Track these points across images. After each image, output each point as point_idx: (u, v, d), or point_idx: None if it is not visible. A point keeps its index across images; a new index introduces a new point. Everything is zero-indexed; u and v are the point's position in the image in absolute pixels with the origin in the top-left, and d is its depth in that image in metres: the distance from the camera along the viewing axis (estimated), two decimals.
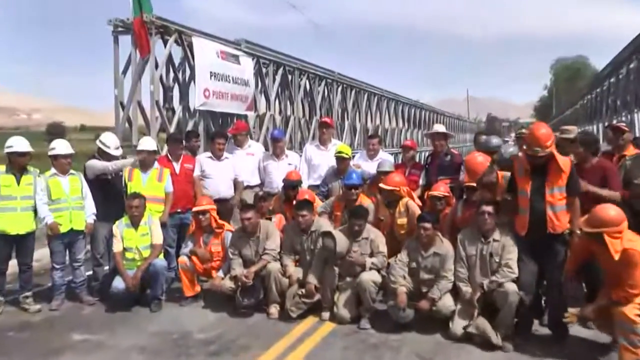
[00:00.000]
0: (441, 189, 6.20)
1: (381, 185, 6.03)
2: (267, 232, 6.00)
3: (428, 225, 5.37)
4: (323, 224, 5.91)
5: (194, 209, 6.21)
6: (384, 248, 5.66)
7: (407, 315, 5.30)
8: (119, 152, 6.46)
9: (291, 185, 6.72)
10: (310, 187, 7.35)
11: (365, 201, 6.30)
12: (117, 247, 6.03)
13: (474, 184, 5.69)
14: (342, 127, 15.31)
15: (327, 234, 5.54)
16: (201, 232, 6.22)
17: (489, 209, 5.20)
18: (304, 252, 5.95)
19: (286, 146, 8.06)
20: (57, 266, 6.02)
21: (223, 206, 7.01)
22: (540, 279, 5.10)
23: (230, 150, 7.54)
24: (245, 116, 9.84)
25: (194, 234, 6.24)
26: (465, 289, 5.20)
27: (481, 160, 5.57)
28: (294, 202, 6.17)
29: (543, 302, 5.31)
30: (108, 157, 6.34)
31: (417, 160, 7.74)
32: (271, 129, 10.90)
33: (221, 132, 8.15)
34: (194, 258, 6.21)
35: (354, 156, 7.71)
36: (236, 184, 7.25)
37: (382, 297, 5.67)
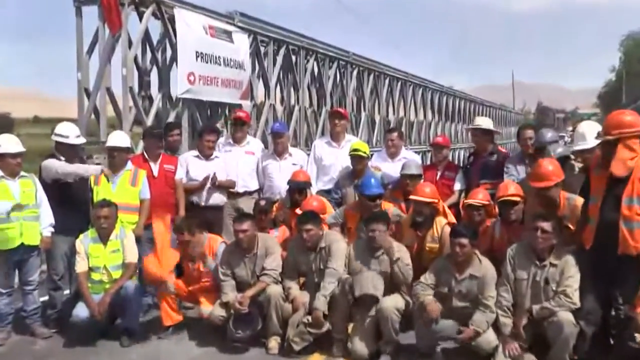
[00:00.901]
0: (479, 196, 6.19)
1: (413, 197, 6.05)
2: (267, 248, 5.99)
3: (464, 241, 5.34)
4: (333, 239, 5.91)
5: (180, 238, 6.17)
6: (408, 262, 5.67)
7: (443, 329, 5.29)
8: (80, 141, 6.46)
9: (298, 187, 6.75)
10: (320, 192, 7.38)
11: (389, 207, 6.33)
12: (80, 266, 6.04)
13: (515, 197, 5.71)
14: (357, 120, 15.31)
15: (373, 298, 5.51)
16: (188, 247, 6.23)
17: (545, 225, 5.15)
18: (310, 273, 5.95)
19: (290, 143, 8.09)
20: (3, 291, 6.00)
21: (214, 216, 7.03)
22: (608, 308, 5.07)
23: (222, 147, 7.59)
24: (240, 106, 9.87)
25: (178, 249, 6.26)
26: (505, 320, 5.17)
27: (552, 169, 5.52)
28: (298, 215, 6.19)
29: (609, 336, 5.25)
30: (69, 154, 6.35)
31: (452, 159, 7.78)
32: (271, 121, 10.93)
33: (211, 126, 8.17)
34: (176, 279, 6.22)
35: (371, 155, 7.73)
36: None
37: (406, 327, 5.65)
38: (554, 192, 5.46)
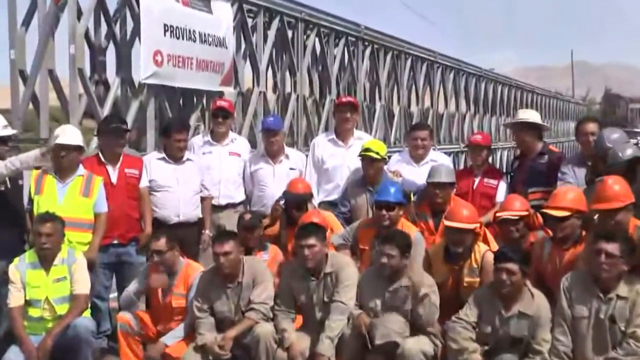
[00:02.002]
0: (515, 205, 6.28)
1: (448, 223, 6.08)
2: (255, 275, 6.02)
3: (513, 267, 5.36)
4: (342, 263, 5.93)
5: (153, 247, 6.22)
6: (436, 302, 5.68)
7: None
8: (8, 132, 6.47)
9: (296, 201, 6.79)
10: (323, 205, 7.43)
11: (410, 230, 6.34)
12: (14, 299, 5.99)
13: (565, 212, 5.74)
14: (371, 112, 15.36)
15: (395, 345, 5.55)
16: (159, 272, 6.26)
17: (611, 247, 5.16)
18: (311, 307, 5.97)
19: (285, 141, 8.13)
20: None
21: (187, 234, 7.06)
22: None
23: (197, 147, 7.64)
24: (221, 94, 9.93)
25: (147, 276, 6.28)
26: None
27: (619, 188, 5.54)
28: (297, 228, 6.23)
29: None
30: None
31: (492, 163, 7.84)
32: (262, 114, 10.97)
33: (181, 120, 8.20)
34: (142, 314, 6.24)
35: (389, 157, 7.76)
36: (204, 200, 7.36)
37: None
38: (622, 216, 5.51)
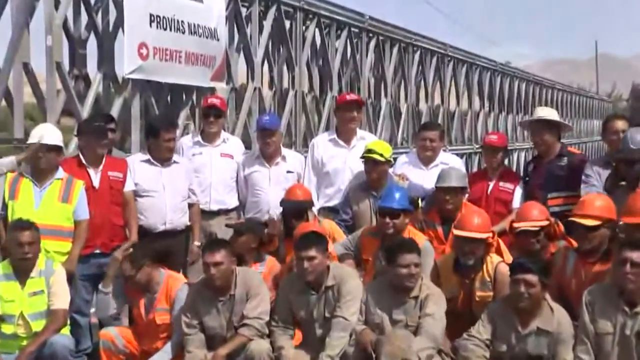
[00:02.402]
0: (533, 213, 6.27)
1: (458, 232, 6.08)
2: (248, 287, 6.02)
3: (532, 278, 5.37)
4: (345, 275, 5.94)
5: (122, 272, 6.22)
6: (441, 319, 5.70)
7: None
8: None
9: (295, 210, 6.79)
10: (323, 211, 7.44)
11: (418, 238, 6.34)
12: None
13: (595, 221, 5.74)
14: (376, 110, 15.39)
15: None
16: (140, 291, 6.30)
17: (637, 255, 5.18)
18: (311, 323, 5.98)
19: (282, 142, 8.14)
20: None
21: (174, 244, 7.09)
22: None
23: (186, 149, 7.67)
24: (213, 90, 9.95)
25: (129, 291, 6.30)
26: None
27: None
28: (295, 238, 6.23)
29: None
30: None
31: (508, 165, 7.85)
32: (257, 112, 10.99)
33: (170, 119, 8.20)
34: (124, 332, 6.25)
35: (395, 159, 7.78)
36: (192, 207, 7.37)
37: None
38: None
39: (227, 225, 7.17)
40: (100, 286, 6.40)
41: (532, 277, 5.36)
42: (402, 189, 6.73)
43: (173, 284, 6.26)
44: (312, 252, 5.84)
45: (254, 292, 6.02)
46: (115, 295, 6.36)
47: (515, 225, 6.29)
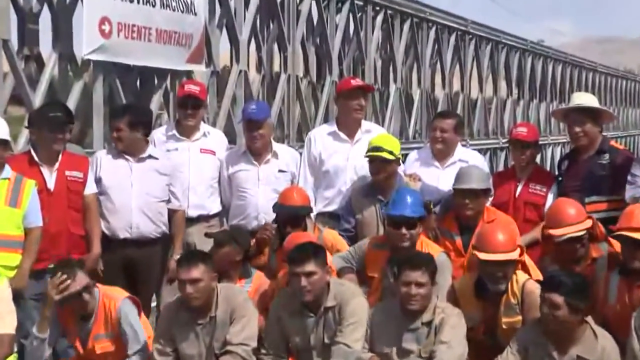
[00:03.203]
0: (570, 212, 6.25)
1: (480, 255, 5.99)
2: (233, 307, 6.02)
3: (557, 299, 5.33)
4: (347, 294, 5.93)
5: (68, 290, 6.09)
6: (462, 348, 5.71)
7: None
8: None
9: (291, 216, 6.77)
10: (321, 217, 7.47)
11: (433, 250, 6.36)
12: None
13: None
14: (384, 97, 15.43)
15: None
16: (73, 315, 6.19)
17: None
18: (308, 350, 5.97)
19: (273, 135, 8.14)
20: None
21: (143, 257, 7.10)
22: None
23: (159, 142, 7.67)
24: (190, 74, 9.96)
25: (61, 317, 6.18)
26: None
27: None
28: (288, 250, 6.17)
29: None
30: None
31: (541, 163, 7.83)
32: (242, 100, 11.04)
33: (140, 106, 8.21)
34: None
35: (405, 156, 7.79)
36: (175, 214, 7.39)
37: None
38: None
39: (206, 235, 7.10)
40: (34, 329, 6.09)
41: (557, 298, 5.33)
42: (415, 192, 6.67)
43: (110, 304, 6.14)
44: (311, 267, 5.79)
45: (238, 314, 6.00)
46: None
47: (554, 232, 6.22)
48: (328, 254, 6.26)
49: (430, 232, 6.77)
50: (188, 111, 7.66)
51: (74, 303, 6.00)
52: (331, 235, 6.89)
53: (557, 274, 5.58)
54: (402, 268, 5.79)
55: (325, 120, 12.44)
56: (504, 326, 5.97)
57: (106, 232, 7.07)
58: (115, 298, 6.15)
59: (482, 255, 5.92)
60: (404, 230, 6.28)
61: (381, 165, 7.06)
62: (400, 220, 6.30)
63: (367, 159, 7.14)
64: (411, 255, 5.98)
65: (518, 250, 6.01)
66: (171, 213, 7.36)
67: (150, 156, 7.30)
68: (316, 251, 5.93)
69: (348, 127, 7.73)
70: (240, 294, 6.20)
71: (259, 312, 6.24)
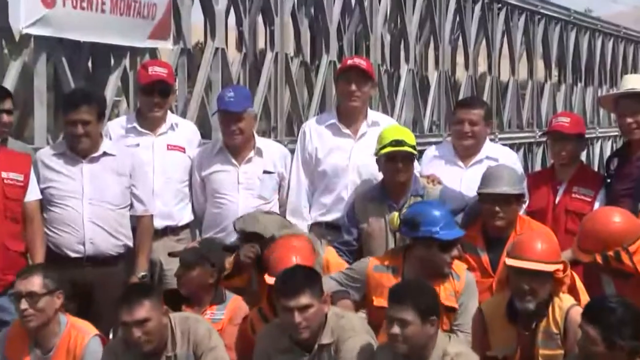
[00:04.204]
0: (615, 219, 6.26)
1: (511, 262, 6.00)
2: (196, 343, 6.02)
3: (593, 333, 5.28)
4: (347, 328, 5.92)
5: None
6: None
7: None
8: None
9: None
10: (316, 228, 7.54)
11: (457, 268, 6.42)
12: None
13: None
14: (393, 81, 15.44)
15: None
16: (26, 345, 6.16)
17: None
18: None
19: (256, 128, 8.14)
20: None
21: (102, 280, 7.10)
22: None
23: (117, 137, 7.68)
24: (154, 53, 9.96)
25: (11, 346, 6.21)
26: None
27: None
28: (272, 280, 6.14)
29: None
30: None
31: (587, 161, 7.82)
32: (219, 86, 11.08)
33: (92, 91, 8.22)
34: None
35: (421, 153, 7.82)
36: (139, 221, 7.39)
37: None
38: None
39: (170, 255, 7.08)
40: None
41: (592, 332, 5.37)
42: (440, 205, 6.66)
43: (77, 338, 6.18)
44: (305, 299, 5.76)
45: (205, 347, 6.01)
46: None
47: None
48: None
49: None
50: (155, 99, 7.66)
51: (37, 331, 6.07)
52: (334, 260, 6.93)
53: (599, 301, 5.59)
54: (388, 303, 5.78)
55: (322, 109, 12.47)
56: (542, 355, 5.99)
57: (52, 248, 7.06)
58: (84, 332, 6.23)
59: (510, 261, 5.97)
60: (447, 257, 6.37)
61: (404, 164, 7.07)
62: (430, 241, 6.36)
63: (380, 156, 7.12)
64: (395, 287, 5.89)
65: (558, 266, 5.99)
66: (135, 221, 7.36)
67: (105, 153, 7.27)
68: (310, 278, 5.90)
69: (349, 118, 7.77)
70: (200, 324, 6.17)
71: (238, 346, 6.31)
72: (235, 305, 6.71)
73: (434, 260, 6.39)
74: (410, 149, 7.01)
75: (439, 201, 6.73)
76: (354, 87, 7.68)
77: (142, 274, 7.27)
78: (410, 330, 5.55)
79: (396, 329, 5.54)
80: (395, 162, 7.03)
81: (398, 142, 7.02)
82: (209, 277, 6.66)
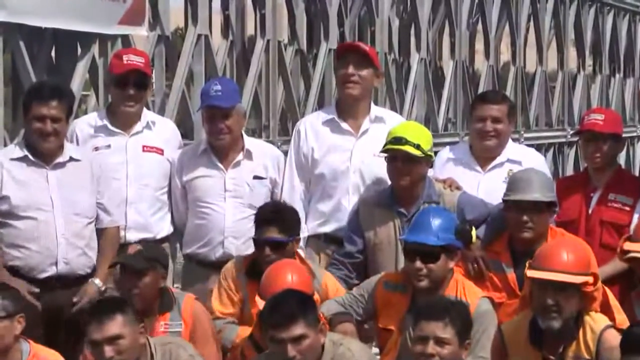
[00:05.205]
0: None
1: (534, 274, 5.96)
2: None
3: None
4: (349, 357, 5.96)
5: None
6: None
7: None
8: None
9: (273, 241, 6.81)
10: (314, 240, 7.55)
11: (470, 295, 6.43)
12: None
13: None
14: (402, 72, 15.47)
15: None
16: None
17: None
18: None
19: (245, 126, 8.14)
20: None
21: (69, 300, 7.15)
22: None
23: (84, 138, 7.70)
24: (124, 39, 9.99)
25: None
26: None
27: None
28: (261, 307, 6.12)
29: None
30: None
31: (623, 164, 7.83)
32: (203, 78, 11.15)
33: (62, 85, 8.24)
34: None
35: (435, 154, 7.80)
36: (104, 232, 7.37)
37: None
38: None
39: (111, 266, 7.01)
40: None
41: None
42: (442, 211, 6.70)
43: None
44: (299, 329, 5.75)
45: None
46: None
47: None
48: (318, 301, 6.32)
49: (471, 264, 6.82)
50: (129, 91, 7.63)
51: None
52: (333, 284, 6.93)
53: None
54: (416, 319, 5.79)
55: (320, 104, 12.52)
56: None
57: (20, 270, 7.00)
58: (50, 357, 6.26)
59: (531, 272, 5.92)
60: (417, 264, 6.31)
61: (405, 165, 7.07)
62: (414, 249, 6.35)
63: (385, 156, 7.14)
64: (430, 301, 5.96)
65: (587, 278, 5.92)
66: (99, 233, 7.32)
67: (71, 159, 7.26)
68: (304, 305, 5.88)
69: (350, 111, 7.77)
70: (182, 349, 6.18)
71: None
72: (191, 309, 6.72)
73: (406, 270, 6.49)
74: (411, 149, 6.98)
75: (445, 213, 6.67)
76: (351, 69, 7.63)
77: (97, 283, 7.17)
78: (447, 350, 5.63)
79: (432, 348, 5.60)
80: (395, 162, 7.08)
81: (398, 140, 7.04)
82: (161, 281, 6.71)
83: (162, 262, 6.77)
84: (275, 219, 6.74)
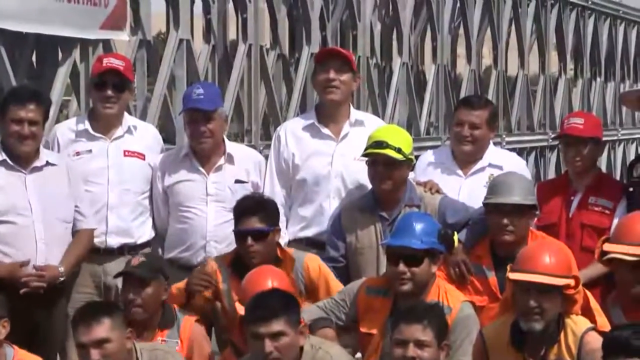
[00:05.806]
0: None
1: (513, 275, 5.96)
2: None
3: None
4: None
5: None
6: None
7: None
8: None
9: (253, 234, 6.81)
10: (295, 245, 7.50)
11: (452, 298, 6.43)
12: None
13: None
14: (383, 74, 15.46)
15: None
16: None
17: None
18: None
19: (227, 131, 8.14)
20: None
21: (50, 305, 7.12)
22: None
23: (64, 144, 7.68)
24: (105, 43, 9.97)
25: None
26: None
27: None
28: (244, 308, 6.15)
29: None
30: None
31: (602, 168, 7.82)
32: (184, 82, 11.13)
33: (40, 90, 8.23)
34: None
35: (417, 157, 7.81)
36: (79, 233, 7.35)
37: None
38: None
39: (116, 276, 6.99)
40: None
41: None
42: (425, 216, 6.73)
43: None
44: (278, 326, 5.79)
45: None
46: None
47: (616, 251, 6.22)
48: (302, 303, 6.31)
49: (453, 268, 6.83)
50: (107, 92, 7.61)
51: None
52: (316, 264, 6.94)
53: (623, 331, 5.60)
54: (395, 323, 5.81)
55: (302, 109, 12.48)
56: None
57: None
58: None
59: (513, 275, 5.93)
60: (401, 267, 6.30)
61: (385, 169, 7.08)
62: (398, 253, 6.35)
63: (365, 160, 7.16)
64: (408, 305, 5.97)
65: (568, 281, 5.94)
66: (73, 234, 7.32)
67: (48, 163, 7.27)
68: (286, 303, 5.92)
69: (331, 116, 7.78)
70: (170, 356, 6.23)
71: None
72: (190, 329, 6.72)
73: (388, 274, 6.49)
74: (392, 152, 7.00)
75: (426, 217, 6.68)
76: (332, 74, 7.67)
77: (61, 269, 7.12)
78: (428, 353, 5.66)
79: (412, 351, 5.63)
80: (376, 166, 7.08)
81: (379, 144, 7.05)
82: (164, 293, 6.71)
83: (164, 274, 6.78)
84: (256, 209, 6.78)
